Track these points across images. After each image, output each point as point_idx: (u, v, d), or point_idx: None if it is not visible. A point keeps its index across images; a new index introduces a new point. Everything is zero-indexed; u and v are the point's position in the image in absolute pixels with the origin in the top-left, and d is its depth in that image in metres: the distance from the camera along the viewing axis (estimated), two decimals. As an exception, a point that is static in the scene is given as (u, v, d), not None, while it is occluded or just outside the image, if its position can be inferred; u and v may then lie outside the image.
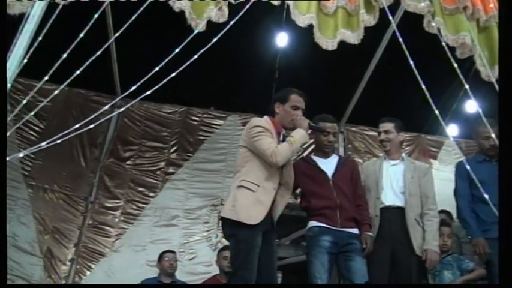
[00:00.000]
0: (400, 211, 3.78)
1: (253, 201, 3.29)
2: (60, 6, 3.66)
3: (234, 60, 6.15)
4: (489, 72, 3.94)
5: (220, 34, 3.75)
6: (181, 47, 3.65)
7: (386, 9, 3.99)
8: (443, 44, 3.86)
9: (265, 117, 3.58)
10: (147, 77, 3.60)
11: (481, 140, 4.00)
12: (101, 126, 6.16)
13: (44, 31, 3.56)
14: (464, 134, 6.84)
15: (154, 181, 6.68)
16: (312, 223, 3.66)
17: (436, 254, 3.68)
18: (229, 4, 3.99)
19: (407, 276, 3.63)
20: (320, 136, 3.96)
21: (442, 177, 6.10)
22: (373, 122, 6.85)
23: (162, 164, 6.78)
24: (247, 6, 3.92)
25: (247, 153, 3.47)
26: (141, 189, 6.61)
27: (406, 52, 3.67)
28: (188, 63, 3.66)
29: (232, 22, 3.87)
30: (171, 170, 6.75)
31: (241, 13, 3.90)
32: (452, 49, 4.01)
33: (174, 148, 6.91)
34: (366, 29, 4.13)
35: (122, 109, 4.51)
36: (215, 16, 3.92)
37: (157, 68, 3.59)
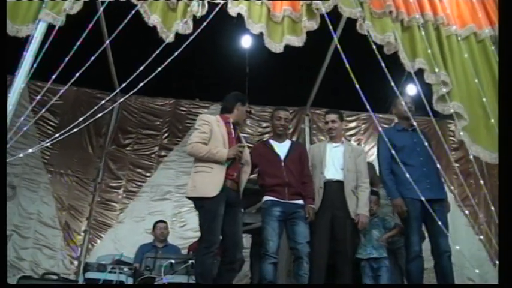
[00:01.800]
0: (339, 184, 4.02)
1: (209, 179, 3.52)
2: (57, 28, 3.86)
3: (213, 58, 6.27)
4: (409, 64, 4.10)
5: (186, 44, 3.93)
6: (158, 51, 3.87)
7: (326, 15, 4.06)
8: (372, 43, 3.99)
9: (217, 115, 3.88)
10: (136, 73, 3.84)
11: (399, 106, 4.20)
12: (104, 118, 6.34)
13: (45, 48, 3.78)
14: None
15: (150, 163, 6.80)
16: (266, 197, 3.94)
17: (366, 217, 3.97)
18: (194, 17, 4.05)
19: (343, 234, 3.90)
20: (273, 120, 4.26)
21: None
22: (333, 104, 7.08)
23: (156, 148, 6.89)
24: (210, 17, 4.04)
25: None
26: (139, 170, 6.74)
27: (342, 54, 3.88)
28: (167, 62, 3.89)
29: (196, 33, 3.99)
30: (163, 153, 6.86)
31: (204, 24, 4.01)
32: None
33: (166, 135, 7.00)
34: (321, 27, 4.19)
35: (121, 100, 4.76)
36: (181, 29, 4.00)
37: (142, 68, 3.86)
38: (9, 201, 5.90)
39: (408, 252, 3.79)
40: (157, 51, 3.89)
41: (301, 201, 3.91)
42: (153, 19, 4.01)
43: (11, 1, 3.88)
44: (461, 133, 3.92)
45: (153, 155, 6.86)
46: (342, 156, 4.15)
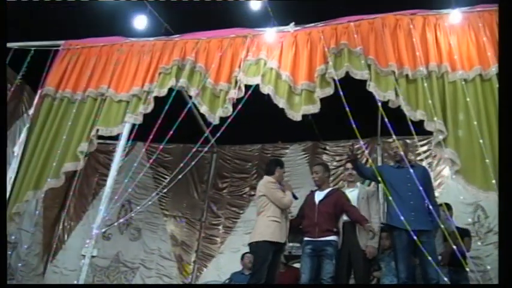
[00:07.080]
0: (353, 224, 4.92)
1: (280, 228, 4.75)
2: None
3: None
4: (412, 114, 4.74)
5: (235, 112, 5.29)
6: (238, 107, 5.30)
7: (337, 82, 4.96)
8: (377, 99, 4.79)
9: (269, 177, 5.08)
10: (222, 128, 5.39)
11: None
12: (205, 167, 8.03)
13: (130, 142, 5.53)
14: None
15: (242, 202, 7.99)
16: (304, 237, 5.00)
17: (374, 248, 4.82)
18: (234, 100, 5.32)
19: (358, 264, 4.84)
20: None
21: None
22: (402, 131, 7.55)
23: (247, 189, 8.08)
24: (245, 98, 5.28)
25: (267, 199, 4.91)
26: (234, 208, 7.97)
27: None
28: (231, 117, 5.28)
29: (237, 108, 5.29)
30: (253, 192, 7.72)
31: (241, 105, 5.29)
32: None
33: (255, 176, 8.10)
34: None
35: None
36: (223, 113, 5.30)
37: (214, 121, 5.37)
38: (136, 240, 7.82)
39: (397, 278, 4.57)
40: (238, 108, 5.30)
41: (329, 237, 4.80)
42: (204, 109, 5.46)
43: (105, 109, 5.70)
44: (454, 176, 4.54)
45: (244, 195, 8.06)
46: (356, 199, 5.07)
